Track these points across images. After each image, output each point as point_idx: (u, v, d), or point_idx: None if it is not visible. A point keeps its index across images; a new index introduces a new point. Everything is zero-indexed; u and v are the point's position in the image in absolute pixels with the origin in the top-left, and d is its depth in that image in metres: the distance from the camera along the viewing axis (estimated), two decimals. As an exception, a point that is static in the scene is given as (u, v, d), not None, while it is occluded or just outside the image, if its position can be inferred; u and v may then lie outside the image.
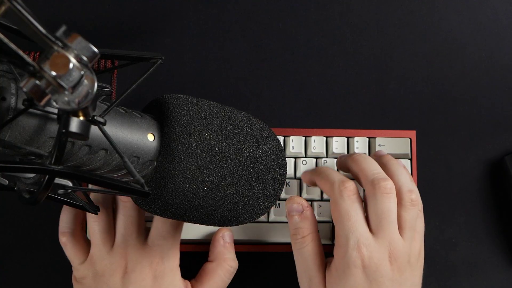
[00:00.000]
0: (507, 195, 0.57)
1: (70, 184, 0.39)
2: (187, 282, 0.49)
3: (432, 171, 0.58)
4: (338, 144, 0.54)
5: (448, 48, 0.59)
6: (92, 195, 0.48)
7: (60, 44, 0.26)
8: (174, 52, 0.58)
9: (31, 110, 0.32)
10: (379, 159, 0.50)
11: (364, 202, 0.47)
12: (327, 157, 0.55)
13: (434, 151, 0.58)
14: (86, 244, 0.48)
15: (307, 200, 0.54)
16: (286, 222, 0.54)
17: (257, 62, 0.58)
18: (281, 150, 0.44)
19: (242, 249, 0.54)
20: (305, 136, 0.55)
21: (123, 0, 0.58)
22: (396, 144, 0.55)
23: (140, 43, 0.58)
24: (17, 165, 0.31)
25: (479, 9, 0.60)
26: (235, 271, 0.50)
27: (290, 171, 0.54)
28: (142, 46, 0.58)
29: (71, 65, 0.26)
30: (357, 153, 0.50)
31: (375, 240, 0.45)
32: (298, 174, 0.54)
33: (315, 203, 0.54)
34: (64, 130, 0.28)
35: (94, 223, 0.47)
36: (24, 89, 0.26)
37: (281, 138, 0.54)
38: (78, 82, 0.26)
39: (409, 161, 0.55)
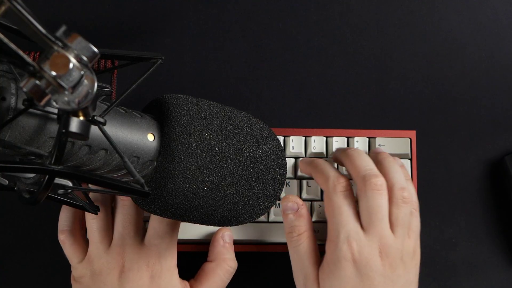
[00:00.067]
0: (507, 195, 0.57)
1: (70, 184, 0.39)
2: (186, 282, 0.49)
3: (432, 171, 0.58)
4: (338, 144, 0.54)
5: (448, 48, 0.59)
6: (91, 194, 0.48)
7: (60, 44, 0.26)
8: (174, 52, 0.58)
9: (31, 110, 0.32)
10: (375, 156, 0.50)
11: (357, 198, 0.48)
12: (327, 157, 0.55)
13: (434, 151, 0.58)
14: (84, 243, 0.48)
15: (307, 200, 0.54)
16: (281, 222, 0.54)
17: (257, 62, 0.58)
18: (281, 150, 0.44)
19: (242, 249, 0.54)
20: (305, 136, 0.55)
21: (123, 0, 0.58)
22: (396, 144, 0.55)
23: (140, 43, 0.58)
24: (17, 165, 0.31)
25: (479, 9, 0.60)
26: (234, 271, 0.50)
27: (290, 171, 0.54)
28: (142, 46, 0.58)
29: (71, 65, 0.26)
30: (352, 148, 0.51)
31: (365, 235, 0.45)
32: (298, 174, 0.54)
33: (315, 203, 0.54)
34: (64, 130, 0.28)
35: (93, 221, 0.47)
36: (24, 89, 0.26)
37: (281, 138, 0.54)
38: (78, 82, 0.26)
39: (409, 161, 0.55)
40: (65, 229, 0.48)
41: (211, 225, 0.43)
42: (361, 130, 0.55)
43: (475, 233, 0.57)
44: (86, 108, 0.28)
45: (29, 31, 0.26)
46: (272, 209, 0.53)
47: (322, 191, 0.54)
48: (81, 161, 0.36)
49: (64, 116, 0.28)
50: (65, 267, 0.51)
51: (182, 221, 0.43)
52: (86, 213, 0.48)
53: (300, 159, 0.53)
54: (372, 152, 0.52)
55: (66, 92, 0.26)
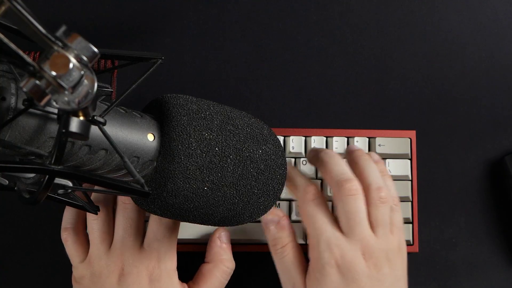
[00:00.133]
0: (507, 195, 0.57)
1: (70, 184, 0.39)
2: (185, 285, 0.49)
3: (432, 171, 0.58)
4: (338, 144, 0.54)
5: (448, 48, 0.59)
6: (93, 195, 0.48)
7: (60, 44, 0.26)
8: (174, 52, 0.58)
9: (31, 110, 0.32)
10: (350, 155, 0.50)
11: (333, 203, 0.48)
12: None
13: (434, 151, 0.58)
14: (87, 243, 0.48)
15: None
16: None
17: (257, 62, 0.58)
18: (281, 150, 0.44)
19: (242, 249, 0.54)
20: (305, 136, 0.55)
21: (123, 0, 0.58)
22: (396, 144, 0.55)
23: (140, 43, 0.58)
24: (17, 165, 0.31)
25: (479, 9, 0.60)
26: (232, 272, 0.50)
27: (290, 171, 0.54)
28: (142, 46, 0.58)
29: (71, 65, 0.26)
30: (324, 151, 0.50)
31: (346, 240, 0.45)
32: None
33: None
34: (64, 130, 0.28)
35: (94, 221, 0.47)
36: (24, 89, 0.26)
37: (281, 138, 0.54)
38: (78, 82, 0.26)
39: (409, 161, 0.55)
40: (69, 226, 0.48)
41: (211, 225, 0.43)
42: (361, 130, 0.55)
43: (475, 233, 0.57)
44: (86, 108, 0.28)
45: (29, 31, 0.26)
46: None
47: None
48: (81, 161, 0.36)
49: (64, 116, 0.28)
50: (65, 267, 0.51)
51: (182, 221, 0.43)
52: (87, 213, 0.48)
53: None
54: (347, 151, 0.52)
55: (66, 92, 0.26)
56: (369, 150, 0.55)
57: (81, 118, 0.28)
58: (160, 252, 0.46)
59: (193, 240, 0.53)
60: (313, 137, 0.54)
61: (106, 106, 0.37)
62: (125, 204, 0.47)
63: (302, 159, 0.54)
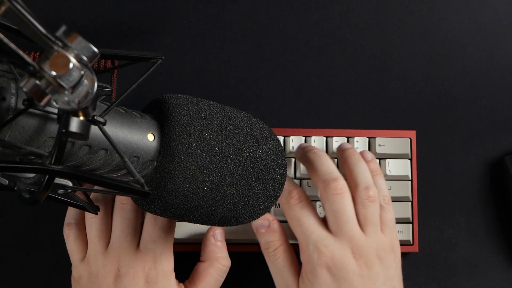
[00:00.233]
0: (507, 195, 0.57)
1: (70, 184, 0.39)
2: (181, 285, 0.49)
3: (432, 171, 0.58)
4: (338, 144, 0.54)
5: (448, 48, 0.59)
6: (92, 194, 0.48)
7: (60, 44, 0.26)
8: (174, 52, 0.58)
9: (31, 110, 0.32)
10: (341, 154, 0.51)
11: (321, 203, 0.48)
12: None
13: (434, 151, 0.58)
14: (87, 241, 0.48)
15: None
16: (286, 222, 0.54)
17: (257, 62, 0.58)
18: (281, 150, 0.44)
19: (242, 249, 0.54)
20: (305, 136, 0.55)
21: (123, 0, 0.58)
22: (396, 144, 0.55)
23: (140, 43, 0.58)
24: (17, 165, 0.31)
25: (479, 9, 0.60)
26: (227, 270, 0.50)
27: (290, 171, 0.54)
28: (142, 46, 0.58)
29: (71, 65, 0.26)
30: (312, 150, 0.50)
31: (335, 240, 0.45)
32: (298, 174, 0.54)
33: (316, 203, 0.53)
34: (64, 130, 0.28)
35: (92, 219, 0.47)
36: (24, 89, 0.26)
37: (281, 138, 0.54)
38: (78, 82, 0.26)
39: (409, 161, 0.55)
40: (72, 222, 0.48)
41: (211, 225, 0.43)
42: (361, 130, 0.55)
43: (475, 233, 0.57)
44: (86, 108, 0.28)
45: (29, 31, 0.26)
46: (272, 209, 0.53)
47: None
48: (81, 161, 0.36)
49: (64, 116, 0.28)
50: (65, 267, 0.51)
51: (182, 221, 0.43)
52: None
53: None
54: (338, 150, 0.52)
55: (66, 92, 0.26)
56: (369, 150, 0.55)
57: (81, 118, 0.28)
58: (156, 253, 0.46)
59: (190, 240, 0.53)
60: (313, 137, 0.54)
61: (106, 106, 0.37)
62: (123, 205, 0.47)
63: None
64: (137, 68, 0.43)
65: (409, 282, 0.56)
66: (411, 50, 0.59)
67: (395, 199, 0.54)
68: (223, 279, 0.50)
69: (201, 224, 0.43)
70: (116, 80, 0.43)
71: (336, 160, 0.54)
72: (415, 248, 0.55)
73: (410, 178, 0.55)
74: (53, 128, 0.33)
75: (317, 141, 0.54)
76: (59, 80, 0.26)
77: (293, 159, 0.54)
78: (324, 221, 0.47)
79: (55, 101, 0.27)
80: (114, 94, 0.41)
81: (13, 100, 0.32)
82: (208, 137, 0.40)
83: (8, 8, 0.25)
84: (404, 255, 0.55)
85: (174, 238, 0.52)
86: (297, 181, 0.54)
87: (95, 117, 0.33)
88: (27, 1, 0.27)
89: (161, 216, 0.42)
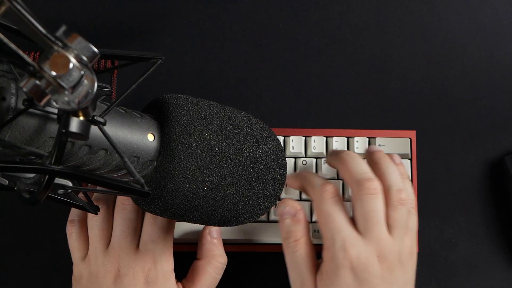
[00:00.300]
0: (507, 195, 0.57)
1: (70, 184, 0.39)
2: (180, 284, 0.49)
3: (432, 171, 0.58)
4: (338, 144, 0.54)
5: (448, 48, 0.59)
6: (94, 193, 0.48)
7: (60, 44, 0.26)
8: (174, 52, 0.58)
9: (31, 110, 0.32)
10: (371, 156, 0.50)
11: (351, 203, 0.47)
12: (327, 157, 0.55)
13: (434, 151, 0.58)
14: (89, 240, 0.48)
15: (307, 200, 0.54)
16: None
17: (257, 62, 0.58)
18: (281, 150, 0.44)
19: (242, 249, 0.54)
20: (305, 136, 0.55)
21: (123, 0, 0.58)
22: (396, 144, 0.55)
23: (140, 43, 0.58)
24: (17, 165, 0.31)
25: (479, 9, 0.60)
26: (224, 267, 0.49)
27: (290, 171, 0.54)
28: (142, 46, 0.58)
29: (71, 65, 0.26)
30: (345, 151, 0.50)
31: (362, 241, 0.45)
32: (298, 174, 0.54)
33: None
34: (64, 130, 0.28)
35: (94, 218, 0.47)
36: (24, 89, 0.26)
37: (281, 138, 0.54)
38: (78, 82, 0.26)
39: (409, 161, 0.55)
40: (75, 219, 0.48)
41: (211, 225, 0.43)
42: (361, 130, 0.55)
43: (475, 233, 0.57)
44: (86, 108, 0.28)
45: (29, 31, 0.26)
46: (272, 209, 0.53)
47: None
48: (81, 161, 0.36)
49: (64, 116, 0.28)
50: (65, 267, 0.51)
51: (182, 221, 0.43)
52: None
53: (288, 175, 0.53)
54: (368, 152, 0.51)
55: (66, 92, 0.26)
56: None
57: (81, 118, 0.28)
58: (155, 254, 0.46)
59: (190, 240, 0.53)
60: (313, 137, 0.54)
61: (106, 106, 0.37)
62: (123, 205, 0.47)
63: (302, 159, 0.54)
64: (137, 68, 0.43)
65: (409, 282, 0.56)
66: (411, 50, 0.59)
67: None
68: (220, 276, 0.49)
69: (201, 224, 0.43)
70: (116, 80, 0.43)
71: (336, 160, 0.54)
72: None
73: (410, 178, 0.55)
74: (53, 128, 0.33)
75: (317, 141, 0.54)
76: (59, 80, 0.26)
77: (293, 159, 0.54)
78: (353, 221, 0.46)
79: (55, 101, 0.27)
80: (114, 94, 0.41)
81: (13, 100, 0.32)
82: (208, 137, 0.40)
83: (8, 8, 0.25)
84: (404, 255, 0.55)
85: (174, 238, 0.52)
86: (297, 181, 0.54)
87: (95, 117, 0.33)
88: (27, 1, 0.27)
89: (161, 216, 0.42)
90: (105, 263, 0.46)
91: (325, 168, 0.54)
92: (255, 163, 0.42)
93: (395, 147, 0.55)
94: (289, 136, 0.54)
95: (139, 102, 0.46)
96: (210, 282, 0.49)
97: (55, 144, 0.30)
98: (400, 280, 0.45)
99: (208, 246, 0.49)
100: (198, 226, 0.52)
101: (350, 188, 0.47)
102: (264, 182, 0.42)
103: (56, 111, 0.32)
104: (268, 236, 0.54)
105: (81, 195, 0.44)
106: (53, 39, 0.26)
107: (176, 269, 0.48)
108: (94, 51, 0.27)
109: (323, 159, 0.54)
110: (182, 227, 0.53)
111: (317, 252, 0.47)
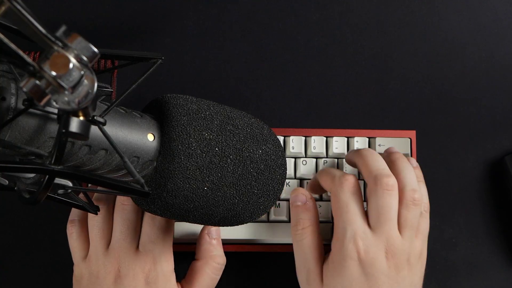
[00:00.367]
0: (507, 195, 0.57)
1: (70, 184, 0.39)
2: (179, 284, 0.49)
3: (432, 171, 0.58)
4: (338, 144, 0.54)
5: (448, 48, 0.59)
6: (94, 193, 0.48)
7: (60, 44, 0.26)
8: (174, 52, 0.58)
9: (31, 110, 0.32)
10: (388, 156, 0.50)
11: (366, 198, 0.47)
12: (327, 157, 0.55)
13: (434, 151, 0.58)
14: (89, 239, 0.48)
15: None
16: (286, 222, 0.54)
17: (257, 62, 0.58)
18: (281, 150, 0.44)
19: (242, 249, 0.54)
20: (305, 136, 0.55)
21: (123, 0, 0.58)
22: (396, 144, 0.55)
23: (140, 43, 0.58)
24: (17, 165, 0.31)
25: (479, 9, 0.60)
26: (223, 268, 0.49)
27: (290, 171, 0.54)
28: (142, 46, 0.58)
29: (71, 65, 0.26)
30: (365, 148, 0.51)
31: (372, 235, 0.45)
32: (298, 174, 0.54)
33: (317, 203, 0.53)
34: (64, 130, 0.28)
35: (94, 218, 0.47)
36: (24, 89, 0.26)
37: (281, 138, 0.54)
38: (78, 82, 0.26)
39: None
40: (76, 218, 0.48)
41: (211, 225, 0.43)
42: (361, 130, 0.55)
43: (475, 233, 0.57)
44: (86, 108, 0.28)
45: (29, 31, 0.26)
46: (272, 209, 0.53)
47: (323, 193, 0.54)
48: (81, 161, 0.36)
49: (64, 116, 0.28)
50: (65, 267, 0.51)
51: (182, 221, 0.43)
52: None
53: (307, 182, 0.54)
54: (386, 152, 0.52)
55: (66, 92, 0.26)
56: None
57: (81, 118, 0.28)
58: (155, 254, 0.46)
59: (190, 240, 0.53)
60: (313, 137, 0.54)
61: (106, 106, 0.37)
62: (123, 205, 0.47)
63: (302, 159, 0.54)
64: (137, 68, 0.43)
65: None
66: (411, 50, 0.59)
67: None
68: (219, 277, 0.49)
69: (201, 224, 0.43)
70: (116, 80, 0.43)
71: (337, 160, 0.54)
72: (415, 248, 0.55)
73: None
74: (53, 128, 0.33)
75: (317, 141, 0.54)
76: (59, 80, 0.26)
77: (293, 159, 0.54)
78: (366, 215, 0.47)
79: (55, 101, 0.27)
80: (114, 94, 0.41)
81: (13, 100, 0.32)
82: (208, 137, 0.40)
83: (8, 8, 0.25)
84: (404, 255, 0.55)
85: (174, 238, 0.52)
86: (297, 181, 0.54)
87: (95, 117, 0.33)
88: (27, 1, 0.27)
89: (161, 216, 0.42)
90: (106, 263, 0.46)
91: (307, 168, 0.54)
92: (255, 163, 0.42)
93: (395, 147, 0.55)
94: (289, 136, 0.54)
95: (139, 102, 0.46)
96: (208, 283, 0.49)
97: (55, 144, 0.30)
98: (406, 280, 0.45)
99: (206, 246, 0.49)
100: (198, 226, 0.52)
101: (367, 183, 0.47)
102: (264, 182, 0.42)
103: (56, 111, 0.32)
104: (268, 236, 0.54)
105: (81, 195, 0.44)
106: (53, 39, 0.26)
107: (176, 269, 0.48)
108: (94, 51, 0.27)
109: (323, 159, 0.54)
110: (182, 227, 0.53)
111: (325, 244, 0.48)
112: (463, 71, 0.59)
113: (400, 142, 0.55)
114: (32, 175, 0.37)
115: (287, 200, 0.54)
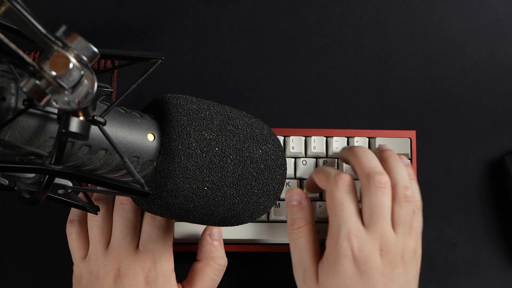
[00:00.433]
0: (507, 195, 0.57)
1: (70, 184, 0.39)
2: (179, 285, 0.49)
3: (432, 171, 0.58)
4: (338, 144, 0.54)
5: (448, 48, 0.59)
6: (94, 193, 0.48)
7: (60, 44, 0.27)
8: (174, 52, 0.58)
9: (31, 110, 0.32)
10: (381, 153, 0.50)
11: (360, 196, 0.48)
12: (327, 157, 0.55)
13: (434, 151, 0.58)
14: (89, 239, 0.48)
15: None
16: (286, 222, 0.54)
17: (257, 62, 0.58)
18: (281, 150, 0.44)
19: (242, 249, 0.54)
20: (305, 136, 0.55)
21: (123, 0, 0.58)
22: (396, 144, 0.55)
23: (140, 43, 0.58)
24: (17, 165, 0.31)
25: (479, 9, 0.60)
26: (224, 269, 0.49)
27: (290, 171, 0.54)
28: (142, 46, 0.58)
29: (71, 65, 0.26)
30: (358, 146, 0.51)
31: (366, 233, 0.45)
32: (298, 174, 0.54)
33: (316, 203, 0.54)
34: (64, 130, 0.28)
35: (94, 218, 0.47)
36: (24, 89, 0.26)
37: (281, 138, 0.54)
38: (78, 82, 0.26)
39: (409, 161, 0.55)
40: (75, 218, 0.48)
41: (212, 225, 0.43)
42: (361, 130, 0.55)
43: (475, 233, 0.57)
44: (86, 108, 0.28)
45: (29, 31, 0.26)
46: (272, 209, 0.53)
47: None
48: (81, 161, 0.36)
49: (64, 116, 0.28)
50: (65, 267, 0.51)
51: (182, 221, 0.43)
52: None
53: (305, 181, 0.54)
54: (378, 150, 0.52)
55: (66, 92, 0.26)
56: (370, 149, 0.55)
57: (81, 118, 0.28)
58: (155, 254, 0.46)
59: (190, 240, 0.53)
60: (313, 137, 0.54)
61: (106, 106, 0.37)
62: (122, 205, 0.47)
63: (302, 159, 0.54)
64: (137, 68, 0.43)
65: (409, 282, 0.56)
66: (411, 50, 0.59)
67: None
68: (220, 279, 0.49)
69: (201, 224, 0.43)
70: (116, 80, 0.43)
71: (336, 160, 0.54)
72: (415, 248, 0.55)
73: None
74: (53, 128, 0.33)
75: (317, 141, 0.54)
76: (59, 80, 0.26)
77: (293, 159, 0.54)
78: (361, 213, 0.47)
79: (55, 101, 0.27)
80: (114, 94, 0.41)
81: (13, 100, 0.32)
82: (208, 137, 0.40)
83: (8, 8, 0.25)
84: (404, 255, 0.55)
85: (174, 238, 0.52)
86: (297, 181, 0.54)
87: (95, 117, 0.33)
88: (27, 1, 0.27)
89: (161, 216, 0.42)
90: (105, 263, 0.46)
91: (307, 168, 0.54)
92: (255, 163, 0.42)
93: (395, 147, 0.55)
94: (289, 136, 0.54)
95: (139, 102, 0.46)
96: (209, 284, 0.49)
97: (55, 144, 0.30)
98: (401, 278, 0.45)
99: (207, 247, 0.49)
100: (198, 227, 0.52)
101: (360, 181, 0.47)
102: (264, 182, 0.42)
103: (56, 111, 0.32)
104: (268, 236, 0.54)
105: (81, 195, 0.44)
106: (53, 39, 0.26)
107: (177, 269, 0.48)
108: (94, 51, 0.27)
109: (323, 159, 0.54)
110: (182, 227, 0.53)
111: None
112: (463, 71, 0.59)
113: (400, 142, 0.55)
114: (32, 175, 0.37)
115: (287, 200, 0.54)
